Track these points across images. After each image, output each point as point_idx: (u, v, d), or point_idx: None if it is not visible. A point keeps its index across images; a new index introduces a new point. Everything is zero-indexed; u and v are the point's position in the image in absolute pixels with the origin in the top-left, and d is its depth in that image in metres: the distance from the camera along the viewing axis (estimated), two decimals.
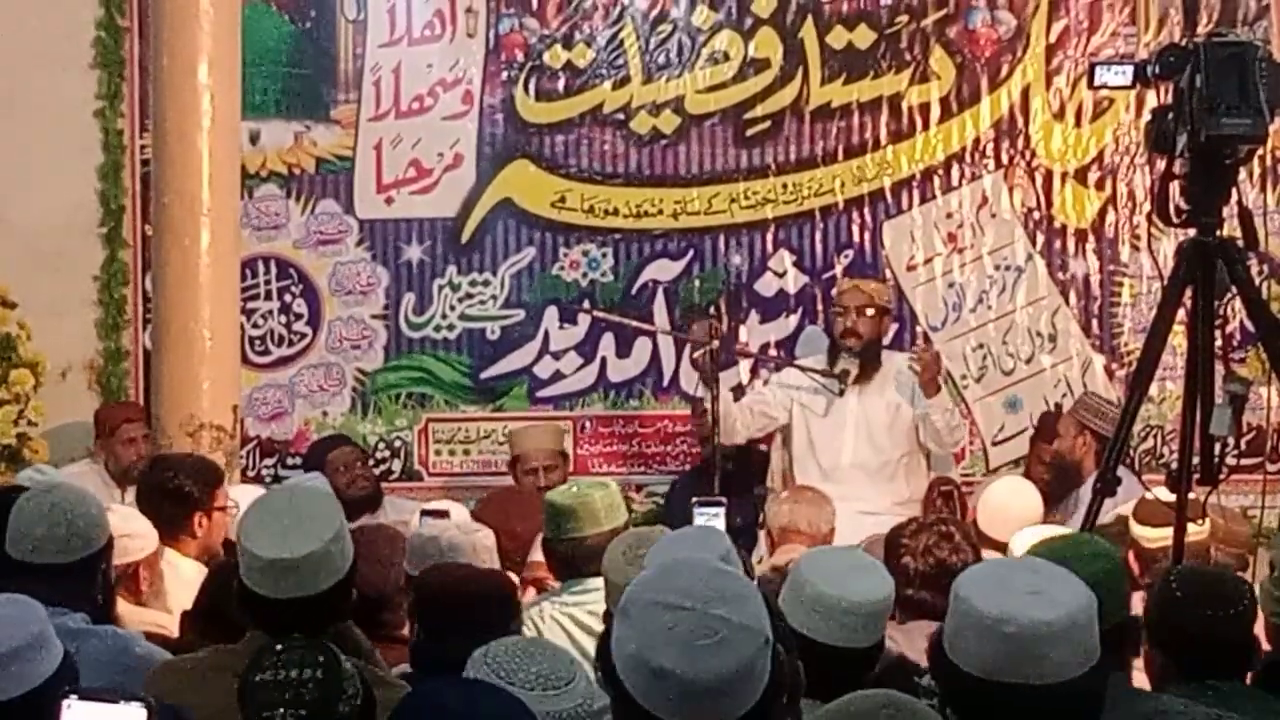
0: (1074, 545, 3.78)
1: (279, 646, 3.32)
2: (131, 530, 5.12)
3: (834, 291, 8.17)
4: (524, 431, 8.52)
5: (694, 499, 6.92)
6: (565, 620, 5.10)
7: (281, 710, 3.23)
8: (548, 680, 3.32)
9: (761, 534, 6.89)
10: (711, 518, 6.51)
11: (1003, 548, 5.50)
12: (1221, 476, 5.22)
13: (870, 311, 7.88)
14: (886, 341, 8.28)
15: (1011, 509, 6.51)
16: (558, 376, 9.02)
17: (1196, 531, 5.34)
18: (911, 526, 5.12)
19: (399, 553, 5.06)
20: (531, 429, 8.55)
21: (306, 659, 3.25)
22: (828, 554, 4.22)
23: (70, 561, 4.27)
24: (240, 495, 5.78)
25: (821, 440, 7.89)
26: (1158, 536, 5.40)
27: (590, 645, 4.83)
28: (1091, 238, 8.88)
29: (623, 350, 8.97)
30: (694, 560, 2.98)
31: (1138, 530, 5.62)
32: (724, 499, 6.82)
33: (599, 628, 4.50)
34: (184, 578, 5.37)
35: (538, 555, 5.64)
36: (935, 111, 8.90)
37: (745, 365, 8.91)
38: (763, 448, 8.31)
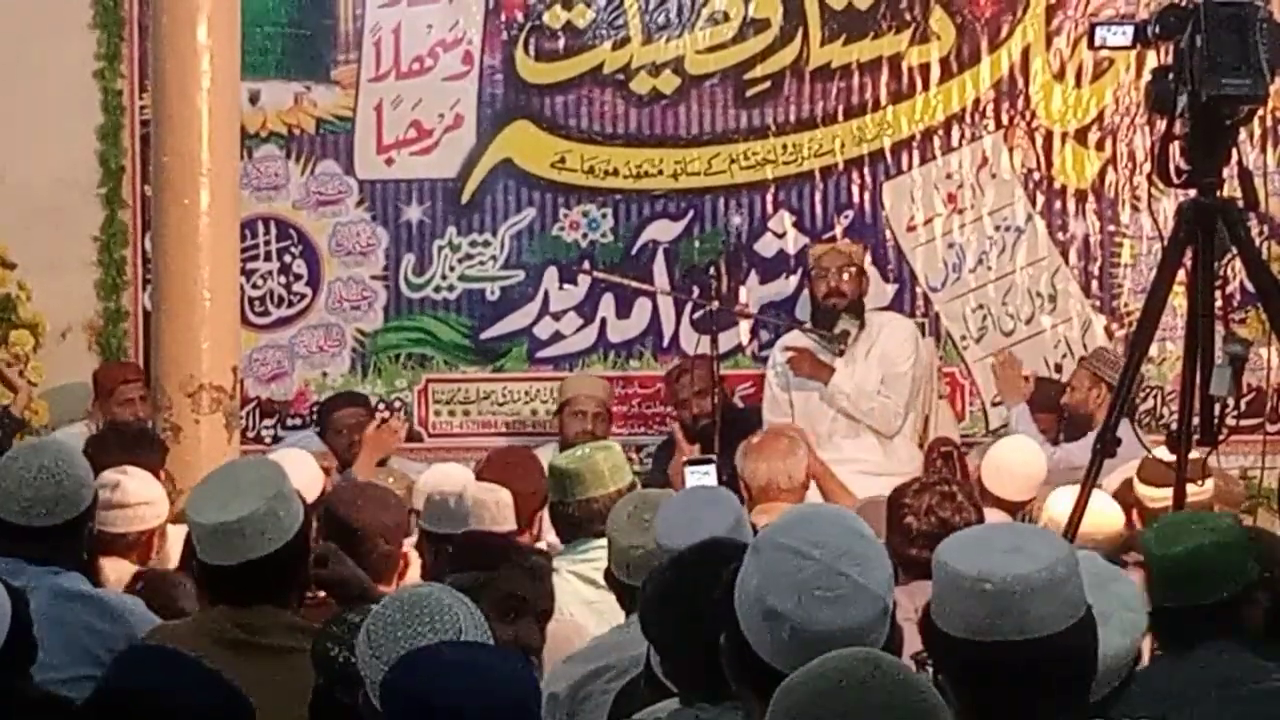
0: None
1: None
2: (149, 497, 5.17)
3: (810, 258, 8.14)
4: (575, 378, 8.61)
5: (685, 459, 6.97)
6: (572, 578, 5.11)
7: (339, 648, 3.26)
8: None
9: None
10: (702, 476, 6.54)
11: (1009, 506, 5.52)
12: (1221, 437, 5.23)
13: (851, 271, 7.88)
14: (886, 303, 8.30)
15: (1018, 467, 6.54)
16: (557, 337, 9.01)
17: (1199, 492, 5.35)
18: (914, 486, 5.13)
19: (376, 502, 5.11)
20: (582, 376, 8.63)
21: None
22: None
23: (58, 524, 4.29)
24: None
25: (816, 403, 7.88)
26: (1161, 496, 5.42)
27: (595, 596, 4.88)
28: (1091, 198, 8.87)
29: (623, 311, 8.97)
30: (835, 513, 3.03)
31: (1142, 490, 5.65)
32: (714, 457, 6.85)
33: (602, 583, 4.54)
34: (170, 536, 5.39)
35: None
36: (935, 72, 8.87)
37: (745, 326, 8.91)
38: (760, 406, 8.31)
